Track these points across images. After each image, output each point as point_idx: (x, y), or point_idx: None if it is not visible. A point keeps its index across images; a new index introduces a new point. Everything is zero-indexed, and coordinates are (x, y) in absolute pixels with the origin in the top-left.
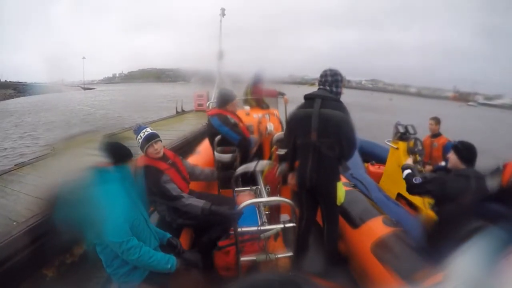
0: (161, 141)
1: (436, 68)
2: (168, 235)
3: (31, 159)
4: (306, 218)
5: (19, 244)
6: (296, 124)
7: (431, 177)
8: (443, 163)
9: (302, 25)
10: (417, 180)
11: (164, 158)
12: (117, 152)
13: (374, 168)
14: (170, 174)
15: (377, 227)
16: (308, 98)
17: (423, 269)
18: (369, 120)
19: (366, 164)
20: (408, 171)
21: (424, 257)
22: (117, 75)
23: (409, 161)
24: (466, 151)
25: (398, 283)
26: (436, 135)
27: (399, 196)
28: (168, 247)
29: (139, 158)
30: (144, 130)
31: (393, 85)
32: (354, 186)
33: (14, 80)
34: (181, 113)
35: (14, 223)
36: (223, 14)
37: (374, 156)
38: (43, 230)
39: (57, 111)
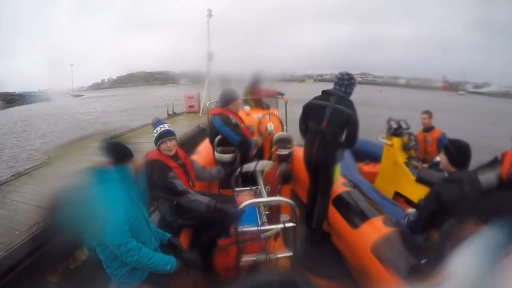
0: (176, 139)
1: (426, 60)
2: (168, 235)
3: (27, 168)
4: (313, 192)
5: (23, 252)
6: (312, 111)
7: (423, 200)
8: (438, 158)
9: (291, 21)
10: (413, 216)
11: (175, 157)
12: (117, 151)
13: (368, 167)
14: (177, 173)
15: (377, 227)
16: (326, 93)
17: (423, 269)
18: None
19: (359, 164)
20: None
21: (424, 257)
22: (106, 81)
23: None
24: (458, 154)
25: (398, 283)
26: (428, 129)
27: (397, 194)
28: (168, 247)
29: (150, 152)
30: (161, 126)
31: (383, 77)
32: (354, 186)
33: (2, 91)
34: (172, 115)
35: (17, 232)
36: (210, 15)
37: (367, 154)
38: (45, 237)
39: (51, 121)
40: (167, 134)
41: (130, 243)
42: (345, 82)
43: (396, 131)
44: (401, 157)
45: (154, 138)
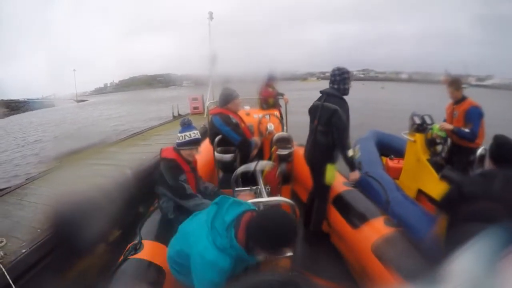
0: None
1: (429, 55)
2: None
3: (40, 172)
4: (312, 193)
5: (46, 249)
6: (310, 112)
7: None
8: (466, 130)
9: (294, 21)
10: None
11: (190, 161)
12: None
13: (393, 163)
14: (188, 177)
15: (378, 227)
16: (321, 92)
17: (424, 269)
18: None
19: (384, 159)
20: None
21: (425, 256)
22: (109, 85)
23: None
24: (496, 148)
25: (399, 282)
26: (458, 101)
27: (420, 192)
28: None
29: (165, 149)
30: (193, 131)
31: (385, 73)
32: (354, 186)
33: (6, 98)
34: (177, 117)
35: (38, 230)
36: (211, 18)
37: (393, 149)
38: (66, 234)
39: (61, 126)
40: (198, 143)
41: None
42: (337, 78)
43: (419, 127)
44: (425, 154)
45: (184, 141)
